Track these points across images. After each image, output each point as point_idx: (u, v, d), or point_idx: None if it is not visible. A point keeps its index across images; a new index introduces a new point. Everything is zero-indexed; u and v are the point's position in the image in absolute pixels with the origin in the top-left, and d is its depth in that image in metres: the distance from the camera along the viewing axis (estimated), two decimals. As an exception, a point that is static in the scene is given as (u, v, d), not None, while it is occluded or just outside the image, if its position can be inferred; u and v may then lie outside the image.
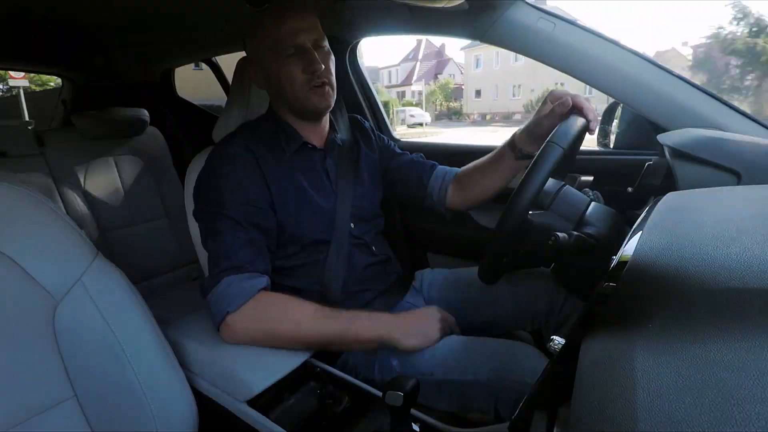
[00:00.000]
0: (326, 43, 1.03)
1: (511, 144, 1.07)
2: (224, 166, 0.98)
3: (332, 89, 1.03)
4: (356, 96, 1.85)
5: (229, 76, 2.18)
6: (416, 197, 1.26)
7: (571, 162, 0.99)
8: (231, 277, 0.88)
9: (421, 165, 1.26)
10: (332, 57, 1.04)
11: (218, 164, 0.99)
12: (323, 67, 0.99)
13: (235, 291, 0.87)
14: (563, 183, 0.92)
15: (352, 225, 1.10)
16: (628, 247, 0.47)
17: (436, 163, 1.27)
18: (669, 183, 0.96)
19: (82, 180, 1.98)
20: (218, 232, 0.93)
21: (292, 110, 1.05)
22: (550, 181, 0.87)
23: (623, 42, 1.11)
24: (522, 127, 1.04)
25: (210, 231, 0.95)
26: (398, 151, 1.30)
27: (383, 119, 1.93)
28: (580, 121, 0.87)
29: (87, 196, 1.97)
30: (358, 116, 1.29)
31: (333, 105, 1.06)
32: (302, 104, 1.02)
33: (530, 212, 0.86)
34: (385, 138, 1.31)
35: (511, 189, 0.82)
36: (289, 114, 1.07)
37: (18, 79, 9.51)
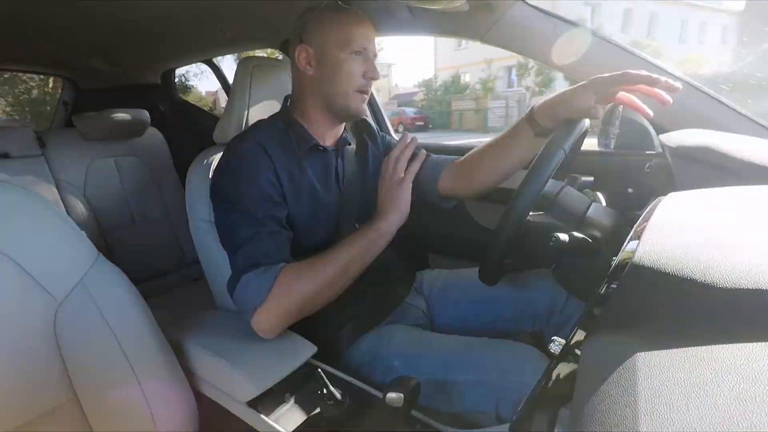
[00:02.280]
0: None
1: (530, 118, 0.97)
2: (237, 162, 0.97)
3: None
4: None
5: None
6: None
7: (572, 163, 1.00)
8: (249, 274, 0.88)
9: (411, 157, 1.19)
10: None
11: (231, 161, 0.98)
12: (379, 77, 1.03)
13: (256, 286, 0.87)
14: (564, 183, 0.92)
15: (356, 226, 1.10)
16: (629, 248, 0.47)
17: (431, 154, 1.22)
18: (670, 183, 0.96)
19: (83, 181, 1.98)
20: (234, 228, 0.93)
21: (328, 105, 1.04)
22: (551, 182, 0.87)
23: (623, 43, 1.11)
24: (543, 99, 0.95)
25: (227, 228, 0.95)
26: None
27: (384, 121, 1.93)
28: (583, 122, 0.87)
29: (88, 198, 1.98)
30: (365, 118, 1.29)
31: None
32: (344, 101, 1.02)
33: (530, 213, 0.86)
34: (387, 136, 1.30)
35: (512, 189, 0.82)
36: (316, 109, 1.06)
37: None
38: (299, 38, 1.03)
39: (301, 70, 1.03)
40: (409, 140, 1.07)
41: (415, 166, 0.95)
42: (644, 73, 0.80)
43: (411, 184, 0.94)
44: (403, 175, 0.94)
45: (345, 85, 1.01)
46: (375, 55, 1.03)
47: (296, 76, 1.07)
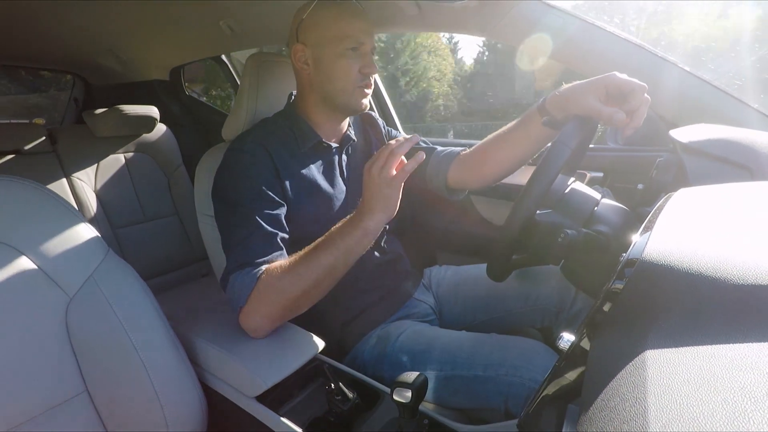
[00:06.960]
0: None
1: (542, 108, 0.93)
2: (237, 163, 0.98)
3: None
4: None
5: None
6: (418, 182, 1.19)
7: (581, 159, 0.99)
8: (236, 274, 0.88)
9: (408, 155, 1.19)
10: None
11: (231, 162, 0.99)
12: (376, 72, 1.02)
13: (239, 287, 0.87)
14: (573, 179, 0.92)
15: None
16: (639, 245, 0.47)
17: (436, 146, 1.20)
18: (680, 179, 0.95)
19: (93, 177, 2.00)
20: (230, 229, 0.93)
21: (328, 102, 1.04)
22: (560, 178, 0.86)
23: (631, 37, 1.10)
24: (557, 90, 0.91)
25: (224, 228, 0.95)
26: None
27: (391, 116, 1.93)
28: (591, 119, 0.86)
29: (98, 194, 1.99)
30: (371, 113, 1.28)
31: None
32: (346, 98, 1.02)
33: (538, 212, 0.86)
34: (393, 131, 1.30)
35: (520, 186, 0.81)
36: (318, 106, 1.06)
37: None
38: (296, 37, 1.02)
39: (299, 70, 1.04)
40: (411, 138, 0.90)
41: (410, 166, 0.83)
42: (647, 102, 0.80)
43: (402, 185, 0.85)
44: (394, 173, 0.84)
45: (342, 83, 1.00)
46: (374, 49, 1.02)
47: (296, 74, 1.07)
